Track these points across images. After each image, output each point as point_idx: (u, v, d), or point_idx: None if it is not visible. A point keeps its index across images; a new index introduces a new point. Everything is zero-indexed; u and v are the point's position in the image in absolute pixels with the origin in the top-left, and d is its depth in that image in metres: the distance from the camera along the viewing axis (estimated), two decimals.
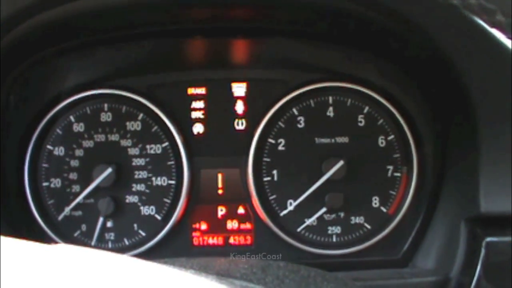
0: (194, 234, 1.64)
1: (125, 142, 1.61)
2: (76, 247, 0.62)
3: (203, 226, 1.65)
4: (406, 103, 1.58)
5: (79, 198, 1.58)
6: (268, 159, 1.61)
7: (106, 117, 1.62)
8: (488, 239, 1.23)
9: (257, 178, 1.61)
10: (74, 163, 1.60)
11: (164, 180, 1.62)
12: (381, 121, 1.61)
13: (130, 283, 0.54)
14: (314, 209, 1.60)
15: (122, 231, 1.60)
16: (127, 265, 0.59)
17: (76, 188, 1.60)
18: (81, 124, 1.61)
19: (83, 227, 1.60)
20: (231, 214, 1.65)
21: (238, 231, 1.65)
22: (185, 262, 0.88)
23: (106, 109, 1.61)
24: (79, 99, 1.60)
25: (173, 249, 1.59)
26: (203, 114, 1.64)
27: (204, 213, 1.64)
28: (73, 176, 1.60)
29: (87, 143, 1.61)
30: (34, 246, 0.58)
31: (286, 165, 1.61)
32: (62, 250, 0.59)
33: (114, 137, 1.61)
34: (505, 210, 1.22)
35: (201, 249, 1.63)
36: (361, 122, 1.61)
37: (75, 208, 1.60)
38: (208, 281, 0.63)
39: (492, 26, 1.04)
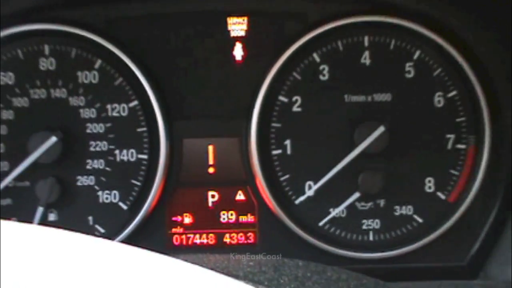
0: (174, 230, 1.41)
1: (75, 101, 1.37)
2: (18, 223, 0.56)
3: (187, 219, 1.41)
4: (475, 45, 1.35)
5: (7, 180, 1.35)
6: (278, 125, 1.39)
7: (47, 64, 1.37)
8: None
9: (264, 151, 1.38)
10: (2, 129, 1.38)
11: (132, 154, 1.38)
12: (438, 71, 1.38)
13: (75, 260, 0.50)
14: (343, 194, 1.38)
15: (71, 226, 1.28)
16: (73, 242, 0.54)
17: (4, 166, 1.37)
18: (10, 74, 1.37)
19: (14, 220, 1.29)
20: (227, 202, 1.42)
21: (237, 226, 1.42)
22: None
23: (47, 52, 1.37)
24: (6, 37, 1.36)
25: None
26: (187, 60, 1.42)
27: (189, 200, 1.41)
28: None
29: (20, 102, 1.37)
30: None
31: (304, 133, 1.39)
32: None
33: (59, 93, 1.38)
34: None
35: (184, 251, 1.39)
36: (409, 72, 1.38)
37: (3, 195, 1.38)
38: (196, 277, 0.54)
39: None
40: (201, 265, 0.58)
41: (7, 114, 1.37)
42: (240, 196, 1.41)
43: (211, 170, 1.41)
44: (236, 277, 0.74)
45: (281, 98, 1.38)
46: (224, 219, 1.41)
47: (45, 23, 1.36)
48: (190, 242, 1.40)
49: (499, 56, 1.33)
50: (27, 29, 1.36)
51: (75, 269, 0.49)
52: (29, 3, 1.36)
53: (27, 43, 1.37)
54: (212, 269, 0.58)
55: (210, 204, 1.41)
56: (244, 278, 0.76)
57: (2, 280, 0.47)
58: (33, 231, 0.55)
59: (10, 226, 0.54)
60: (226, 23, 1.40)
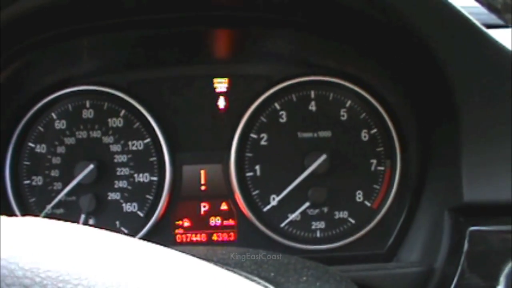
0: (177, 231, 1.62)
1: (107, 139, 1.59)
2: (44, 219, 0.62)
3: (186, 223, 1.62)
4: (388, 96, 1.56)
5: (60, 196, 1.56)
6: (250, 154, 1.60)
7: (88, 114, 1.60)
8: (472, 228, 1.21)
9: (240, 174, 1.58)
10: (56, 160, 1.58)
11: (146, 177, 1.60)
12: (363, 115, 1.60)
13: (100, 254, 0.56)
14: (298, 203, 1.58)
15: (104, 227, 1.56)
16: (97, 237, 0.61)
17: (57, 185, 1.58)
18: (63, 121, 1.59)
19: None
20: (214, 211, 1.61)
21: (221, 228, 1.62)
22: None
23: (88, 105, 1.60)
24: (60, 96, 1.58)
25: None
26: (185, 109, 1.62)
27: (187, 209, 1.61)
28: (54, 173, 1.58)
29: (69, 140, 1.59)
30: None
31: (269, 160, 1.59)
32: (30, 222, 0.59)
33: (96, 134, 1.59)
34: (488, 199, 1.21)
35: (183, 245, 1.57)
36: (343, 116, 1.60)
37: (56, 206, 1.57)
38: (182, 260, 0.63)
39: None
40: (191, 255, 0.65)
41: (60, 149, 1.57)
42: (224, 206, 1.61)
43: (203, 187, 1.61)
44: (211, 261, 0.78)
45: (252, 135, 1.58)
46: (212, 223, 1.60)
47: (85, 85, 1.57)
48: (188, 239, 1.59)
49: (405, 104, 1.53)
50: (74, 90, 1.58)
51: (108, 256, 0.56)
52: (74, 73, 1.57)
53: (74, 99, 1.58)
54: (195, 256, 0.66)
55: (202, 212, 1.61)
56: (216, 262, 0.86)
57: (63, 252, 0.53)
58: (80, 230, 0.61)
59: (66, 226, 0.61)
60: (213, 83, 1.60)
